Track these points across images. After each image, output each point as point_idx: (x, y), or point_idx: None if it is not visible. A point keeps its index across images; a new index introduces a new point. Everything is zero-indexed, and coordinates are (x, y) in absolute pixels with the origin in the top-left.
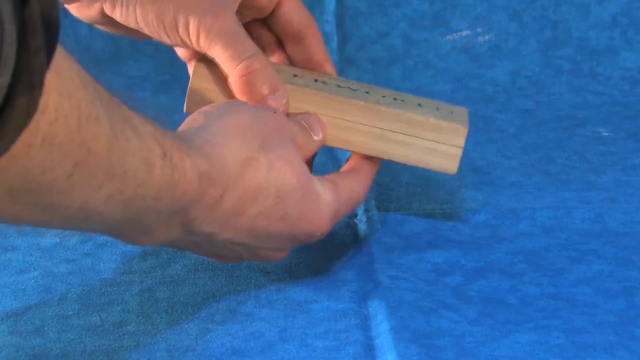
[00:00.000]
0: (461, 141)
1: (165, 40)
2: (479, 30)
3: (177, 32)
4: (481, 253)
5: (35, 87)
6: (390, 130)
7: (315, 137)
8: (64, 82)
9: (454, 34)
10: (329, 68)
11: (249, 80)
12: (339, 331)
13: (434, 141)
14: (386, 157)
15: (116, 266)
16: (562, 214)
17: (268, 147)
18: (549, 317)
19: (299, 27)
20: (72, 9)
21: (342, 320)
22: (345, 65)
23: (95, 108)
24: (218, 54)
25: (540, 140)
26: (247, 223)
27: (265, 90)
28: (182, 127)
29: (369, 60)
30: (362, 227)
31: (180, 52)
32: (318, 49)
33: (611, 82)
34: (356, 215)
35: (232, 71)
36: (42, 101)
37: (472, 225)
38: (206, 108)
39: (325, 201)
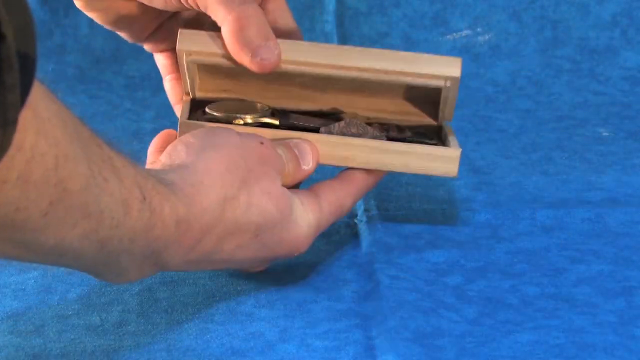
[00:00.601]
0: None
1: (157, 2)
2: (479, 30)
3: None
4: (481, 253)
5: (8, 124)
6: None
7: (305, 167)
8: (41, 121)
9: (454, 34)
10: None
11: (242, 26)
12: (339, 331)
13: (432, 146)
14: (386, 168)
15: None
16: (562, 214)
17: (250, 181)
18: (549, 317)
19: (283, 23)
20: None
21: (342, 320)
22: None
23: (73, 148)
24: (212, 4)
25: (540, 140)
26: (224, 257)
27: (258, 39)
28: (164, 158)
29: None
30: (362, 227)
31: (161, 62)
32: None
33: (611, 82)
34: (356, 215)
35: (227, 18)
36: (19, 138)
37: (472, 225)
38: (189, 139)
39: (305, 223)
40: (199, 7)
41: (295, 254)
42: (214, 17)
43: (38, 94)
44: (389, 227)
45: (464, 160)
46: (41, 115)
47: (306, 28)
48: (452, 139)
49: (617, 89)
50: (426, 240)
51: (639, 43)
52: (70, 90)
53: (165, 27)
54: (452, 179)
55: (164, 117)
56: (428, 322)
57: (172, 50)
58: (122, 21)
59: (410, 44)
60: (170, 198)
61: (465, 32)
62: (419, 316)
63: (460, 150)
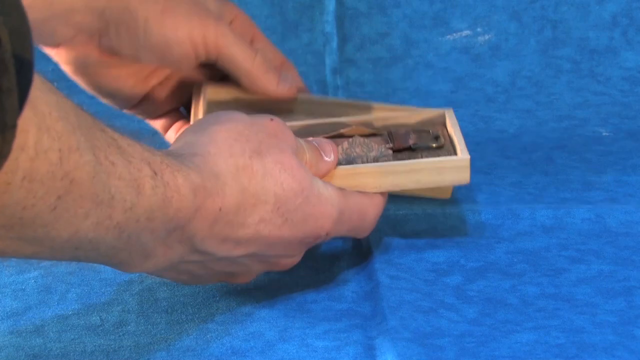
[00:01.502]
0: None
1: (170, 60)
2: (479, 30)
3: (191, 44)
4: (481, 253)
5: (7, 128)
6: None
7: (326, 158)
8: (41, 117)
9: (454, 34)
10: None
11: (267, 65)
12: (339, 331)
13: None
14: (399, 189)
15: None
16: (562, 213)
17: (262, 152)
18: (549, 317)
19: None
20: (59, 53)
21: (342, 320)
22: (346, 65)
23: (76, 138)
24: (236, 51)
25: (540, 140)
26: (249, 233)
27: (276, 70)
28: (172, 145)
29: (369, 61)
30: None
31: (158, 125)
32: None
33: (611, 82)
34: None
35: (253, 59)
36: (21, 138)
37: (472, 225)
38: (194, 124)
39: (328, 200)
40: (222, 54)
41: (322, 236)
42: (239, 60)
43: (36, 88)
44: (389, 227)
45: None
46: (41, 110)
47: (306, 28)
48: (460, 142)
49: (617, 89)
50: (426, 240)
51: (639, 43)
52: (70, 90)
53: (153, 95)
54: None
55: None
56: (428, 322)
57: (164, 115)
58: (109, 88)
59: (410, 44)
60: (182, 168)
61: (465, 32)
62: (419, 316)
63: (469, 157)
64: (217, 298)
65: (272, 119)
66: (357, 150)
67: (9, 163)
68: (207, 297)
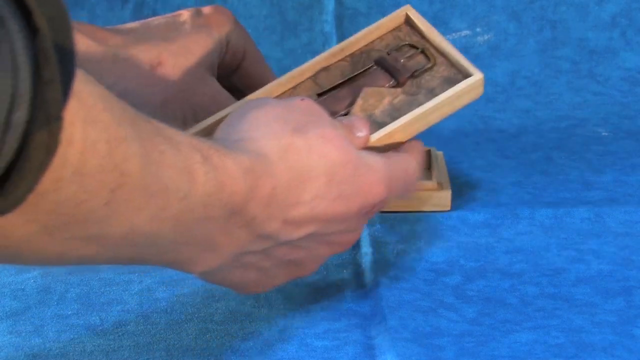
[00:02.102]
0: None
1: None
2: (478, 30)
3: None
4: (480, 253)
5: (52, 121)
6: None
7: (359, 134)
8: (87, 109)
9: (454, 34)
10: None
11: None
12: (338, 331)
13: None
14: (426, 128)
15: (115, 266)
16: (561, 213)
17: (302, 129)
18: (548, 317)
19: (261, 82)
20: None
21: (342, 320)
22: None
23: (123, 128)
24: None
25: (540, 140)
26: (306, 211)
27: None
28: (214, 135)
29: None
30: None
31: None
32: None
33: (610, 82)
34: None
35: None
36: (68, 132)
37: (472, 225)
38: (229, 116)
39: (376, 167)
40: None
41: (379, 204)
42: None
43: (79, 80)
44: (389, 227)
45: (464, 159)
46: (86, 102)
47: (305, 28)
48: (463, 61)
49: (616, 89)
50: (426, 240)
51: (638, 44)
52: None
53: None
54: (451, 177)
55: None
56: (427, 322)
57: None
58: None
59: None
60: (229, 152)
61: (465, 32)
62: (418, 316)
63: (482, 74)
64: (217, 298)
65: (302, 99)
66: (371, 101)
67: (57, 158)
68: (207, 297)
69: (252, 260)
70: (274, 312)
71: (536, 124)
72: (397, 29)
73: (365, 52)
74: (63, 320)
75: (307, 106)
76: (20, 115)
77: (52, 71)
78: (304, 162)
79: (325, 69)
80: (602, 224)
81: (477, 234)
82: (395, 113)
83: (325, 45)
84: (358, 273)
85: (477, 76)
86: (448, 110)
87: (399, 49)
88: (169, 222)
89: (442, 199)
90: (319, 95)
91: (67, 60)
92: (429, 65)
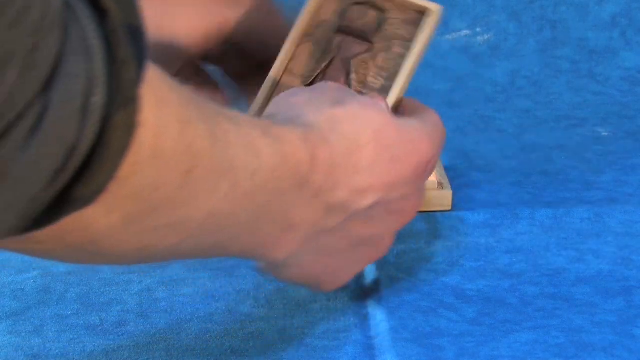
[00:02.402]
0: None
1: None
2: (478, 30)
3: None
4: (480, 253)
5: (130, 102)
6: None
7: (381, 104)
8: (156, 90)
9: (453, 34)
10: None
11: None
12: (338, 331)
13: None
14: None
15: (115, 266)
16: (561, 213)
17: (340, 102)
18: (548, 317)
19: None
20: None
21: (342, 320)
22: None
23: (189, 109)
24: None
25: (540, 140)
26: (367, 177)
27: None
28: None
29: None
30: None
31: None
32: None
33: (610, 82)
34: None
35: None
36: (143, 114)
37: (472, 225)
38: (267, 109)
39: (415, 126)
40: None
41: (432, 161)
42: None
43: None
44: None
45: (464, 159)
46: (154, 83)
47: None
48: None
49: (616, 89)
50: (426, 240)
51: (638, 44)
52: None
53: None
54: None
55: None
56: (427, 322)
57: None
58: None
59: None
60: (284, 126)
61: (465, 32)
62: (418, 316)
63: (438, 5)
64: (217, 298)
65: (326, 82)
66: (361, 71)
67: (134, 141)
68: (207, 297)
69: (329, 242)
70: (274, 312)
71: (536, 123)
72: None
73: (319, 25)
74: (63, 320)
75: (334, 85)
76: (98, 98)
77: (126, 51)
78: (352, 129)
79: (292, 59)
80: (602, 224)
81: (477, 234)
82: (383, 73)
83: None
84: (358, 273)
85: (436, 8)
86: (425, 51)
87: (348, 9)
88: (244, 201)
89: (442, 199)
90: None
91: (138, 40)
92: (385, 15)
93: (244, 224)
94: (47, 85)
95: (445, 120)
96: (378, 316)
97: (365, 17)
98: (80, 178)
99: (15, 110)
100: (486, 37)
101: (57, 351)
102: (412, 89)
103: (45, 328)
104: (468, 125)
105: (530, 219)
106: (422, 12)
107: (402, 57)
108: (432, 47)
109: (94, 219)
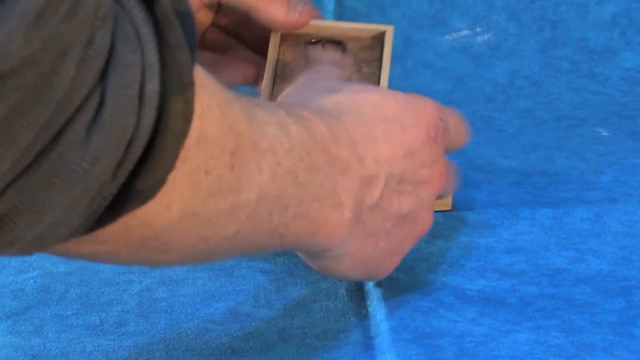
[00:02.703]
0: None
1: None
2: (478, 30)
3: None
4: (480, 253)
5: (186, 86)
6: None
7: None
8: (196, 73)
9: (453, 34)
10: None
11: None
12: (338, 331)
13: None
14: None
15: (115, 266)
16: (561, 213)
17: (335, 90)
18: (548, 317)
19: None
20: None
21: (341, 320)
22: None
23: (222, 91)
24: None
25: (540, 140)
26: (386, 147)
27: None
28: None
29: None
30: None
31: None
32: None
33: (610, 82)
34: None
35: None
36: None
37: (472, 225)
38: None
39: (413, 94)
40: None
41: (437, 119)
42: None
43: None
44: None
45: (464, 159)
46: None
47: None
48: (362, 25)
49: (616, 89)
50: (426, 240)
51: (638, 44)
52: None
53: None
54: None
55: None
56: (427, 322)
57: None
58: None
59: (409, 44)
60: (297, 108)
61: (465, 32)
62: (418, 316)
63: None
64: (217, 298)
65: (315, 72)
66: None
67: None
68: (207, 297)
69: (372, 222)
70: (274, 312)
71: (536, 123)
72: (285, 41)
73: (285, 67)
74: (63, 320)
75: (324, 74)
76: (153, 85)
77: (178, 36)
78: (355, 109)
79: (273, 97)
80: (602, 224)
81: (477, 234)
82: None
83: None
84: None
85: (390, 27)
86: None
87: (307, 49)
88: (287, 179)
89: (443, 199)
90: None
91: (188, 25)
92: (344, 46)
93: (294, 206)
94: (103, 76)
95: None
96: (378, 316)
97: (326, 52)
98: (142, 169)
99: (75, 104)
100: (486, 37)
101: (57, 351)
102: (412, 89)
103: (45, 328)
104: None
105: (530, 219)
106: (376, 36)
107: (374, 74)
108: (432, 47)
109: (155, 211)
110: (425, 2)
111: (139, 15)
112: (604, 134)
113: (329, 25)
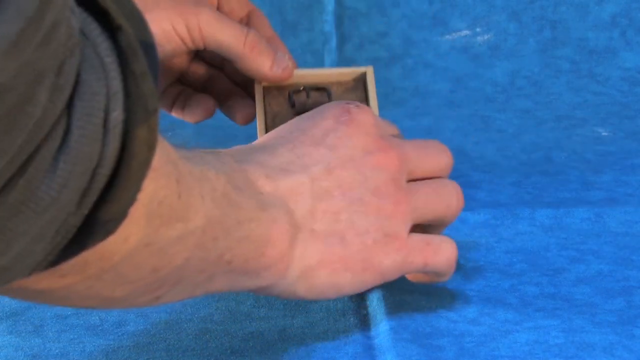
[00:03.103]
0: None
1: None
2: (478, 30)
3: (177, 36)
4: (480, 253)
5: (150, 114)
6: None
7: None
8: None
9: (453, 34)
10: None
11: (260, 46)
12: (338, 331)
13: None
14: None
15: None
16: (561, 213)
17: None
18: (548, 317)
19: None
20: None
21: (341, 320)
22: (345, 64)
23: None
24: (222, 37)
25: (540, 140)
26: (291, 155)
27: (271, 50)
28: None
29: (368, 60)
30: None
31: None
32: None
33: (610, 82)
34: None
35: (244, 42)
36: None
37: (472, 225)
38: None
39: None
40: (205, 41)
41: (342, 106)
42: (232, 44)
43: None
44: None
45: (464, 159)
46: None
47: (305, 28)
48: (343, 70)
49: (616, 89)
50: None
51: (637, 44)
52: None
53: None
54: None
55: (164, 118)
56: (427, 322)
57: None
58: None
59: (409, 44)
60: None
61: (465, 32)
62: (418, 316)
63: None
64: (217, 298)
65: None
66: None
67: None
68: (207, 297)
69: (325, 222)
70: (274, 312)
71: (536, 123)
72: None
73: (275, 116)
74: (63, 320)
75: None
76: (118, 114)
77: (142, 65)
78: (263, 140)
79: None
80: (602, 224)
81: (477, 234)
82: None
83: (324, 45)
84: None
85: (370, 68)
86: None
87: (293, 97)
88: (224, 202)
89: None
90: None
91: (151, 55)
92: (329, 91)
93: (234, 229)
94: (69, 104)
95: (445, 120)
96: (378, 316)
97: (312, 98)
98: (106, 199)
99: (44, 131)
100: (486, 37)
101: (57, 351)
102: (413, 89)
103: (45, 328)
104: (468, 125)
105: (530, 219)
106: (357, 78)
107: None
108: (432, 47)
109: (114, 243)
110: (425, 2)
111: (103, 45)
112: (604, 134)
113: (309, 73)
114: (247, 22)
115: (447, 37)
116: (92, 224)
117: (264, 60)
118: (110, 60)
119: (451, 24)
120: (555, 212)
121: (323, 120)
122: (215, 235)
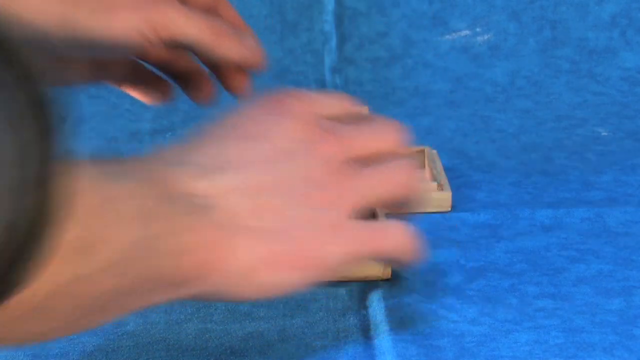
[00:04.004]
0: None
1: (127, 52)
2: (478, 30)
3: (141, 36)
4: (480, 253)
5: (65, 169)
6: None
7: None
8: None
9: (453, 34)
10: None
11: (225, 30)
12: (338, 331)
13: None
14: None
15: None
16: (561, 213)
17: None
18: (548, 317)
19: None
20: None
21: (341, 320)
22: (345, 65)
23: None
24: (192, 29)
25: (540, 140)
26: (188, 155)
27: (237, 35)
28: None
29: (368, 60)
30: None
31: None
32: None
33: (610, 82)
34: None
35: (209, 33)
36: None
37: (472, 225)
38: None
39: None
40: (172, 37)
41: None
42: (191, 38)
43: None
44: None
45: (464, 159)
46: None
47: (305, 28)
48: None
49: (616, 89)
50: (426, 240)
51: (637, 44)
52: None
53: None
54: (451, 176)
55: (164, 118)
56: (427, 322)
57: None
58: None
59: (409, 44)
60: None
61: (465, 32)
62: (418, 316)
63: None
64: None
65: None
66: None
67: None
68: None
69: (269, 205)
70: (274, 312)
71: (536, 123)
72: None
73: None
74: None
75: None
76: (32, 170)
77: (52, 120)
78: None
79: None
80: (602, 224)
81: (477, 234)
82: None
83: (324, 45)
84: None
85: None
86: None
87: None
88: (151, 217)
89: (442, 199)
90: None
91: (52, 109)
92: None
93: (164, 241)
94: None
95: (445, 120)
96: (378, 317)
97: None
98: (22, 258)
99: None
100: (486, 37)
101: (56, 351)
102: (413, 89)
103: None
104: (468, 125)
105: (530, 219)
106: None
107: None
108: (432, 47)
109: (37, 284)
110: (425, 2)
111: (14, 98)
112: (604, 134)
113: None
114: (213, 9)
115: (447, 37)
116: (6, 284)
117: (230, 47)
118: (23, 114)
119: (451, 24)
120: (555, 212)
121: (257, 114)
122: (140, 255)
